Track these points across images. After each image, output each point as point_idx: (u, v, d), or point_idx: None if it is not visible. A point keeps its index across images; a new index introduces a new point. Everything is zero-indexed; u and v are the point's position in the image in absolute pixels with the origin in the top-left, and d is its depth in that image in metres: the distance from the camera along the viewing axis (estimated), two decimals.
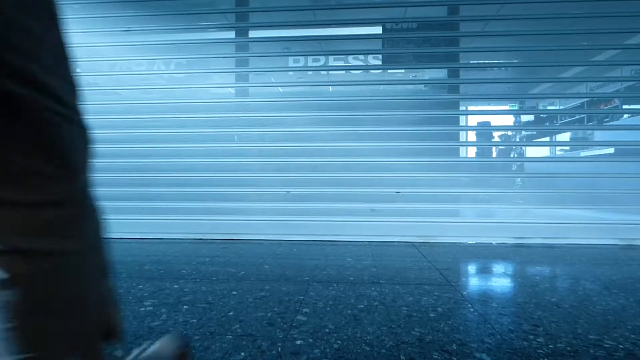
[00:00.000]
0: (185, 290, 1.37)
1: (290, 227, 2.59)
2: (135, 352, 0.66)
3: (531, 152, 7.06)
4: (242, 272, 1.65)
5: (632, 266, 1.83)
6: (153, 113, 2.78)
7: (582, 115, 5.87)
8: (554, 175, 2.71)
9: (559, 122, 6.22)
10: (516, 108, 5.76)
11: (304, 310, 1.16)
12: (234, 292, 1.34)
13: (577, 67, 2.98)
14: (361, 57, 3.08)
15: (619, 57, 3.11)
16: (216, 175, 2.72)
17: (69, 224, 0.48)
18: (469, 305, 1.22)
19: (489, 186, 2.62)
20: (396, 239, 2.49)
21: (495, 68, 3.37)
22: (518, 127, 6.08)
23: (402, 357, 0.84)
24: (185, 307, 1.18)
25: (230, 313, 1.13)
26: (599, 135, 4.54)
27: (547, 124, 6.23)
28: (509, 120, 9.12)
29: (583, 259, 1.99)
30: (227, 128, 2.76)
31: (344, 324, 1.04)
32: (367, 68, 2.96)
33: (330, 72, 2.83)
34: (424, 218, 2.54)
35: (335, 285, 1.46)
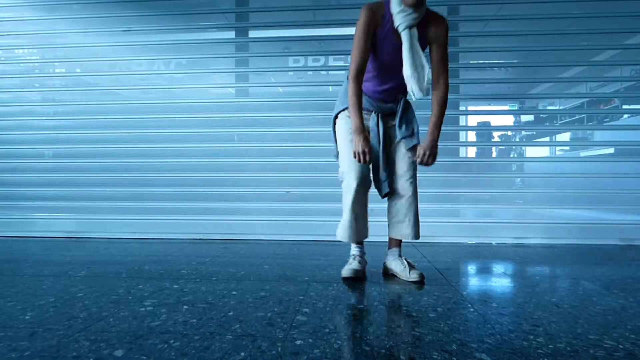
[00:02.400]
0: (185, 290, 1.37)
1: (290, 227, 2.59)
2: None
3: (531, 152, 7.04)
4: (242, 272, 1.65)
5: (632, 266, 1.83)
6: (153, 113, 2.77)
7: (582, 115, 5.86)
8: (554, 175, 2.70)
9: (559, 122, 6.21)
10: (516, 108, 5.75)
11: (304, 310, 1.16)
12: (234, 292, 1.34)
13: (577, 67, 2.98)
14: None
15: (619, 57, 3.10)
16: (216, 175, 2.72)
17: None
18: (469, 305, 1.22)
19: (489, 186, 2.62)
20: None
21: (495, 68, 3.37)
22: (518, 127, 6.08)
23: (402, 357, 0.84)
24: (185, 307, 1.18)
25: (230, 313, 1.13)
26: (599, 135, 4.53)
27: (547, 124, 6.22)
28: (509, 120, 9.10)
29: (583, 259, 1.99)
30: (227, 128, 2.76)
31: (344, 324, 1.05)
32: None
33: (330, 72, 2.82)
34: (424, 218, 2.52)
35: (335, 285, 1.46)
